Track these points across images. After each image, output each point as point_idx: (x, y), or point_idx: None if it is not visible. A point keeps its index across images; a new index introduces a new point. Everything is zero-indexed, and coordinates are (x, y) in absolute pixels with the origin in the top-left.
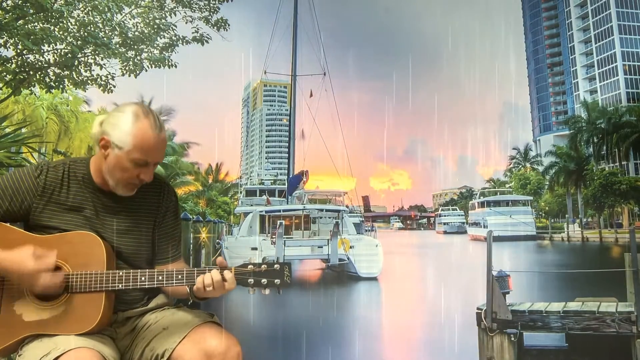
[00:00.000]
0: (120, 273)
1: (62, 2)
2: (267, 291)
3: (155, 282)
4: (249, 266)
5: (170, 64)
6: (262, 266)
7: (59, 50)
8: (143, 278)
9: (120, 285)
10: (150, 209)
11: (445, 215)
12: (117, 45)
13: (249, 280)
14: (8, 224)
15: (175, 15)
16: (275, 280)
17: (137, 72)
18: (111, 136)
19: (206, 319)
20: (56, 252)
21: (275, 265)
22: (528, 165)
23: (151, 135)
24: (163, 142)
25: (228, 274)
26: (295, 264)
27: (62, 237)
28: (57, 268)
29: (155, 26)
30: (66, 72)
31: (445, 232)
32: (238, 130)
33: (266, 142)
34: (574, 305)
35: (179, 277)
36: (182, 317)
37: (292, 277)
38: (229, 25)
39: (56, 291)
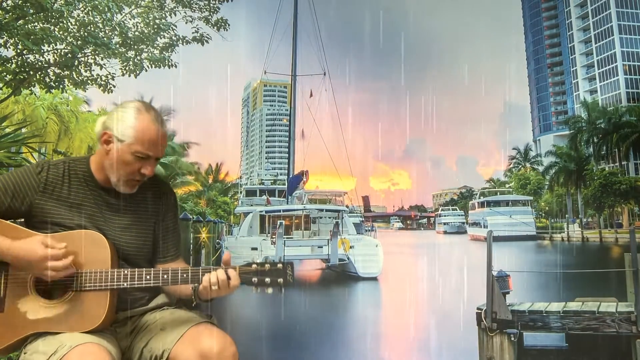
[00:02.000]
0: (126, 272)
1: (62, 2)
2: (269, 290)
3: (161, 281)
4: (253, 265)
5: (170, 64)
6: (266, 265)
7: (59, 50)
8: (148, 277)
9: (125, 284)
10: (151, 207)
11: (445, 215)
12: (117, 45)
13: (253, 279)
14: (10, 222)
15: (175, 15)
16: (279, 280)
17: (137, 72)
18: (114, 130)
19: (203, 319)
20: (65, 243)
21: (279, 265)
22: (528, 165)
23: (153, 128)
24: (164, 136)
25: (232, 272)
26: (295, 264)
27: (67, 235)
28: None
29: (155, 26)
30: (66, 72)
31: (445, 232)
32: (238, 130)
33: (266, 142)
34: (574, 305)
35: (184, 276)
36: (179, 317)
37: (294, 277)
38: (229, 25)
39: (65, 279)
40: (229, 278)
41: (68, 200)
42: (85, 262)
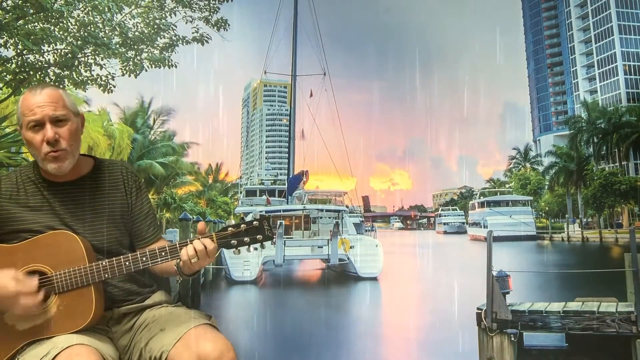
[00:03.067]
0: (104, 263)
1: (62, 2)
2: (251, 248)
3: (141, 264)
4: (229, 229)
5: (170, 64)
6: (242, 226)
7: (59, 50)
8: (127, 263)
9: (106, 275)
10: (114, 191)
11: (445, 215)
12: (117, 45)
13: (232, 242)
14: None
15: (175, 15)
16: (258, 236)
17: (137, 72)
18: (18, 123)
19: (202, 320)
20: (38, 278)
21: (254, 222)
22: (528, 165)
23: (29, 95)
24: (46, 95)
25: (207, 240)
26: (295, 264)
27: (37, 240)
28: (39, 273)
29: (155, 26)
30: (66, 72)
31: (445, 232)
32: (238, 130)
33: (266, 142)
34: (574, 305)
35: (163, 254)
36: (178, 317)
37: (272, 231)
38: (229, 25)
39: (37, 313)
40: (206, 247)
41: (28, 205)
42: (60, 263)
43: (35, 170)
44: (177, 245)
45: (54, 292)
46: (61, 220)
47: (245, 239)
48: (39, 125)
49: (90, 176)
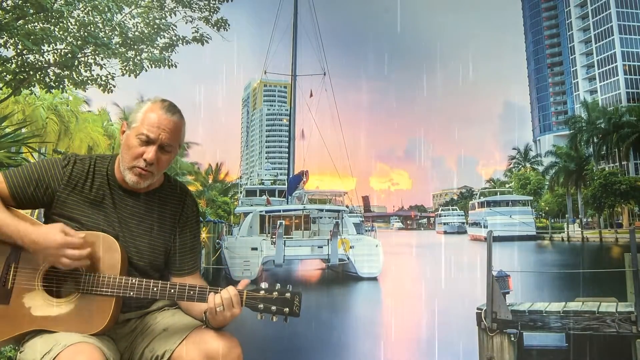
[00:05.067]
0: (134, 281)
1: (62, 2)
2: (274, 318)
3: (167, 295)
4: (261, 292)
5: (170, 64)
6: (274, 292)
7: (59, 50)
8: (155, 289)
9: (131, 293)
10: (170, 215)
11: (445, 215)
12: (117, 45)
13: (260, 305)
14: (27, 213)
15: (175, 15)
16: (285, 309)
17: (137, 72)
18: (128, 119)
19: None
20: (85, 233)
21: (287, 294)
22: (528, 165)
23: (159, 112)
24: (173, 122)
25: (232, 289)
26: (295, 264)
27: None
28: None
29: (155, 26)
30: (66, 72)
31: (445, 232)
32: (238, 130)
33: (266, 142)
34: (574, 305)
35: (192, 292)
36: (182, 318)
37: (301, 308)
38: (229, 25)
39: (81, 267)
40: (232, 300)
41: (88, 197)
42: (94, 265)
43: (111, 167)
44: (207, 290)
45: (78, 290)
46: (111, 224)
47: (273, 307)
48: (149, 141)
49: (156, 193)
